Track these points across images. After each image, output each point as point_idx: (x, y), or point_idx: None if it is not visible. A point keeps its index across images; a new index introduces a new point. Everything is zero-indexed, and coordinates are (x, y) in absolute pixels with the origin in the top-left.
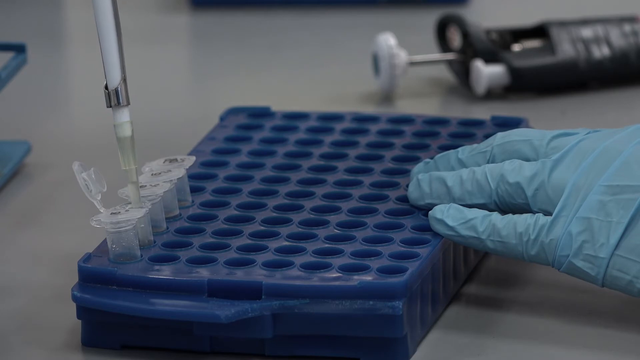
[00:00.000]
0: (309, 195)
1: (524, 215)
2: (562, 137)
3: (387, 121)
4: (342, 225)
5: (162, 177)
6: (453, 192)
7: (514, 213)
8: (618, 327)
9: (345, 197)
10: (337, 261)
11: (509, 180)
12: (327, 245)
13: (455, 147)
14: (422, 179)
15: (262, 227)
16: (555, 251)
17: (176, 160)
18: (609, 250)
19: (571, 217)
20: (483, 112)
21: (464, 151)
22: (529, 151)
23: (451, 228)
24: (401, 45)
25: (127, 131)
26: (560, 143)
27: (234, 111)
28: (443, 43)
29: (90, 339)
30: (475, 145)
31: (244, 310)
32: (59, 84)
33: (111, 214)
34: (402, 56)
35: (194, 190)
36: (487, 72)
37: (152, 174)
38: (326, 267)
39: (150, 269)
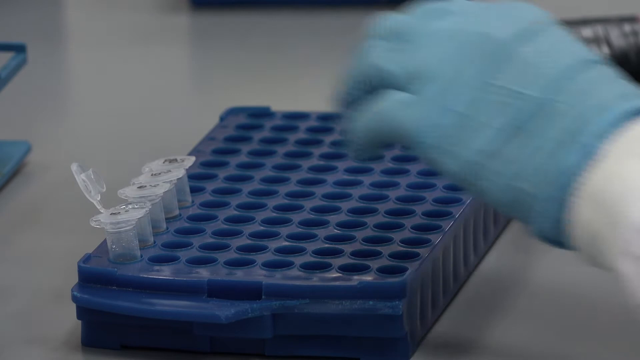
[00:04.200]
0: (309, 195)
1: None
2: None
3: None
4: (342, 225)
5: (162, 177)
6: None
7: None
8: (618, 328)
9: (345, 197)
10: (337, 261)
11: (368, 62)
12: (327, 245)
13: None
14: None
15: (262, 227)
16: (420, 137)
17: (176, 160)
18: (477, 151)
19: (442, 107)
20: None
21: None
22: None
23: None
24: None
25: None
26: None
27: (234, 111)
28: None
29: (90, 339)
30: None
31: (244, 310)
32: (59, 84)
33: (111, 214)
34: None
35: (194, 190)
36: None
37: (152, 174)
38: (326, 267)
39: (150, 269)
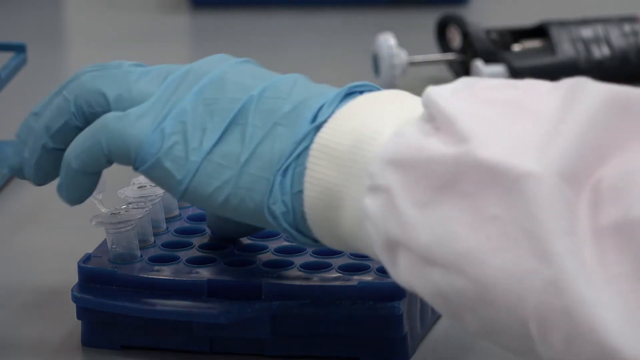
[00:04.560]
0: None
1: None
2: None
3: None
4: None
5: None
6: (38, 130)
7: None
8: None
9: None
10: (336, 261)
11: (88, 87)
12: None
13: None
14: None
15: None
16: (142, 146)
17: None
18: (202, 155)
19: (163, 117)
20: None
21: (38, 106)
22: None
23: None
24: (401, 45)
25: None
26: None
27: None
28: (443, 43)
29: (90, 339)
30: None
31: (244, 310)
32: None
33: (111, 214)
34: (402, 56)
35: None
36: (487, 72)
37: None
38: (326, 267)
39: (150, 269)
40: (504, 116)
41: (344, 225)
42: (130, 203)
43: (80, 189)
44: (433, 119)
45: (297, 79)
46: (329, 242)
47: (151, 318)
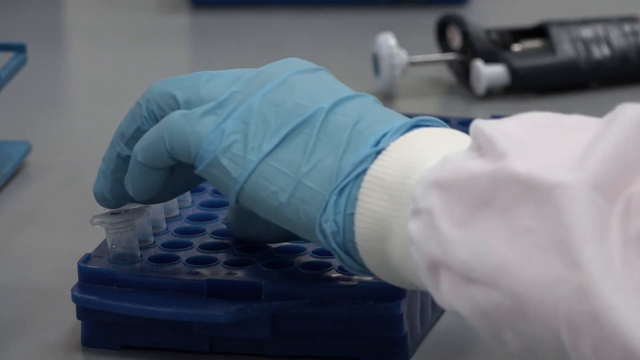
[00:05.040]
0: None
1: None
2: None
3: None
4: None
5: None
6: (114, 138)
7: None
8: None
9: None
10: (337, 261)
11: (159, 91)
12: None
13: None
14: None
15: None
16: (201, 144)
17: None
18: (260, 156)
19: (226, 116)
20: (483, 112)
21: (120, 126)
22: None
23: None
24: (401, 45)
25: None
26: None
27: None
28: (443, 43)
29: (90, 339)
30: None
31: (244, 310)
32: (59, 84)
33: (111, 214)
34: (402, 56)
35: (194, 190)
36: (487, 72)
37: None
38: (326, 267)
39: (150, 269)
40: (543, 137)
41: (394, 255)
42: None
43: (145, 183)
44: (479, 148)
45: (367, 102)
46: (382, 274)
47: (151, 318)
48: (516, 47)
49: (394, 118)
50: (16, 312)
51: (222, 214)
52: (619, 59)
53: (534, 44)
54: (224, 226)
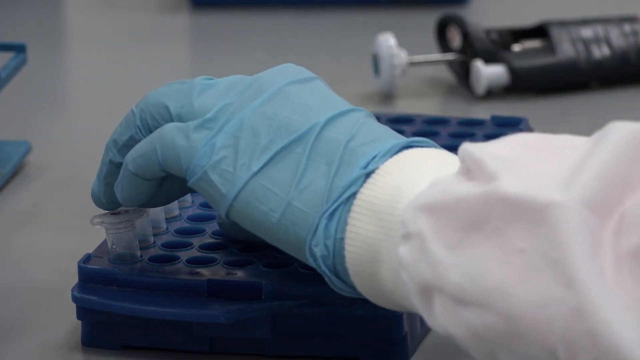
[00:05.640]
0: None
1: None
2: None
3: (387, 121)
4: None
5: None
6: (107, 144)
7: None
8: None
9: None
10: None
11: (152, 101)
12: None
13: (455, 147)
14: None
15: None
16: (193, 159)
17: None
18: (249, 173)
19: (217, 130)
20: (483, 112)
21: (114, 133)
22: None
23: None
24: (401, 45)
25: None
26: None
27: None
28: (443, 43)
29: (90, 339)
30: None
31: (244, 310)
32: (59, 84)
33: (111, 214)
34: (402, 56)
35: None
36: (487, 72)
37: None
38: None
39: (150, 269)
40: (532, 157)
41: (384, 279)
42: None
43: (135, 192)
44: (468, 171)
45: (360, 118)
46: (373, 297)
47: (151, 318)
48: (516, 47)
49: (387, 136)
50: (16, 312)
51: None
52: (619, 59)
53: (534, 44)
54: None
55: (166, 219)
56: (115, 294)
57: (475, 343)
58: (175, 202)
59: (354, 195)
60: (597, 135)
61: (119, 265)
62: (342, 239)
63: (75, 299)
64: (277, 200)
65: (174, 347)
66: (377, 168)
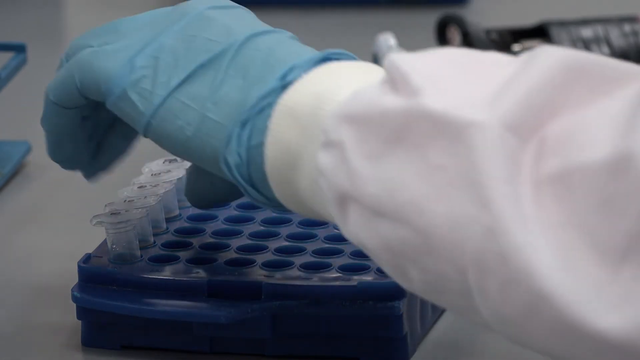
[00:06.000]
0: None
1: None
2: None
3: None
4: None
5: (162, 177)
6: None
7: None
8: None
9: None
10: (336, 261)
11: (75, 44)
12: (327, 245)
13: None
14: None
15: (262, 227)
16: (111, 80)
17: (176, 160)
18: (168, 90)
19: (136, 51)
20: None
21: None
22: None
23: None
24: (401, 45)
25: None
26: None
27: None
28: (443, 43)
29: (90, 339)
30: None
31: (244, 310)
32: None
33: (111, 214)
34: None
35: None
36: None
37: (151, 174)
38: (326, 267)
39: (150, 270)
40: (458, 73)
41: (302, 185)
42: (132, 200)
43: (58, 122)
44: (393, 82)
45: (282, 37)
46: (289, 204)
47: (151, 318)
48: (516, 47)
49: (307, 51)
50: (16, 312)
51: (222, 214)
52: (618, 59)
53: (534, 44)
54: (224, 226)
55: (166, 219)
56: (115, 294)
57: (387, 256)
58: (175, 202)
59: (269, 105)
60: (525, 57)
61: (119, 265)
62: (258, 145)
63: (75, 299)
64: (192, 114)
65: (174, 347)
66: (295, 78)
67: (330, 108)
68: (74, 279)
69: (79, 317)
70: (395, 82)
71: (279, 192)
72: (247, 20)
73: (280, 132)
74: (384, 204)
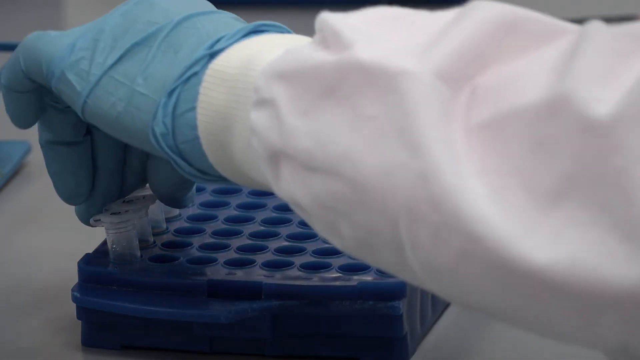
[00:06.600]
0: None
1: None
2: None
3: None
4: None
5: None
6: None
7: None
8: None
9: None
10: (336, 261)
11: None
12: (326, 245)
13: None
14: None
15: (262, 227)
16: (52, 62)
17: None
18: (103, 69)
19: (78, 35)
20: None
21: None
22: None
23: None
24: None
25: None
26: None
27: None
28: None
29: (90, 339)
30: None
31: (244, 310)
32: None
33: (111, 214)
34: None
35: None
36: None
37: None
38: (326, 267)
39: (150, 269)
40: (391, 28)
41: (236, 149)
42: (131, 201)
43: (16, 108)
44: (324, 40)
45: (221, 17)
46: (225, 171)
47: (151, 318)
48: None
49: (239, 24)
50: (16, 312)
51: (222, 213)
52: None
53: None
54: (224, 226)
55: (166, 219)
56: (115, 294)
57: (319, 212)
58: None
59: (198, 73)
60: (460, 10)
61: (119, 265)
62: (183, 114)
63: (75, 299)
64: (124, 89)
65: (174, 347)
66: (223, 48)
67: (261, 67)
68: (74, 279)
69: (79, 317)
70: (327, 38)
71: (215, 159)
72: (193, 3)
73: (212, 96)
74: (315, 157)
